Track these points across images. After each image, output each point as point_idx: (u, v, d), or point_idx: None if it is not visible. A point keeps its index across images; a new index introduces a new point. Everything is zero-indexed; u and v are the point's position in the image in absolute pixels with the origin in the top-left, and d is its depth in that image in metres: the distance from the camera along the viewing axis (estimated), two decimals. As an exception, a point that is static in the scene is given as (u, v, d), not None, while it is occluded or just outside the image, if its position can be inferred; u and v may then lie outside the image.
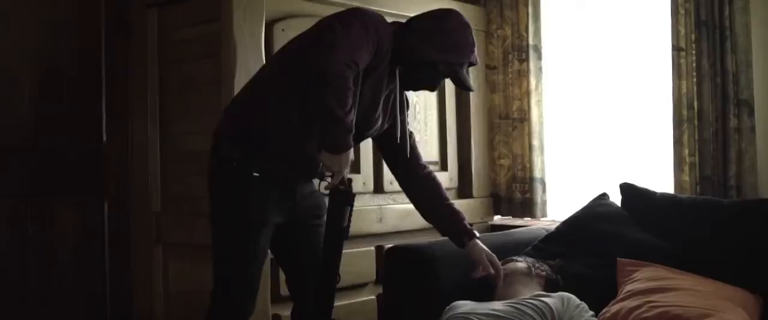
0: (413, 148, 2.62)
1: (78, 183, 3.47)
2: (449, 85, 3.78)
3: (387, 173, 3.43)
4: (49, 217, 3.38)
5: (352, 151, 2.20)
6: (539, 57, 3.82)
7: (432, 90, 2.57)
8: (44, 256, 3.35)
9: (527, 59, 3.81)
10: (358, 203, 3.26)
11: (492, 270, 2.58)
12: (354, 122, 2.17)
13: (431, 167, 3.64)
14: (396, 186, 3.44)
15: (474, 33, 2.46)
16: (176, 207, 3.20)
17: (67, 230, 3.42)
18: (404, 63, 2.39)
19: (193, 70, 3.11)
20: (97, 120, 3.52)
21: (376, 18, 2.31)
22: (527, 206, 3.83)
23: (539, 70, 3.81)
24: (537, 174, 3.80)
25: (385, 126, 2.50)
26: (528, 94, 3.81)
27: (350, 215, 2.29)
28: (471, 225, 2.65)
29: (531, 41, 3.80)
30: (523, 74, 3.84)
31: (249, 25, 2.90)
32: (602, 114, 3.70)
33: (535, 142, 3.80)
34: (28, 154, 3.34)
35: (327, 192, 2.28)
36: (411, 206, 3.46)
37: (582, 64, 3.78)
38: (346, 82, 2.10)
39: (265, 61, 2.56)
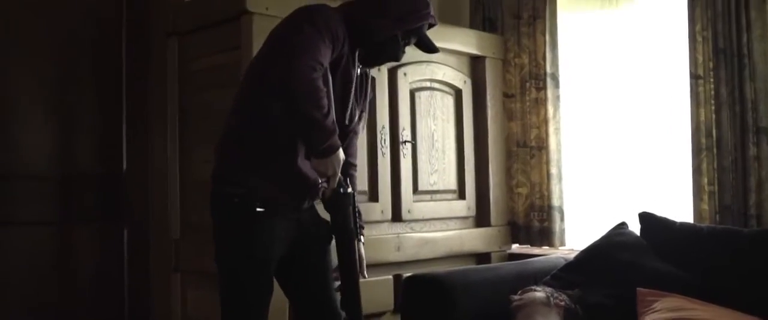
0: (352, 142, 2.51)
1: (98, 210, 3.49)
2: (468, 118, 3.80)
3: (405, 201, 3.44)
4: (69, 243, 3.40)
5: (341, 150, 2.17)
6: (557, 85, 3.82)
7: (396, 61, 2.50)
8: (65, 282, 3.37)
9: (545, 87, 3.81)
10: (376, 231, 3.27)
11: (364, 275, 2.44)
12: (335, 121, 2.15)
13: (449, 196, 3.69)
14: (414, 214, 3.48)
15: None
16: (195, 235, 3.21)
17: (87, 256, 3.44)
18: (365, 45, 2.33)
19: (213, 98, 3.13)
20: (117, 146, 3.56)
21: (322, 11, 2.24)
22: (545, 235, 3.82)
23: (557, 98, 3.81)
24: (555, 202, 3.79)
25: (362, 111, 2.45)
26: (546, 122, 3.81)
27: (356, 214, 2.28)
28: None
29: (548, 69, 3.81)
30: (540, 102, 3.84)
31: (269, 54, 2.92)
32: (620, 142, 3.69)
33: (554, 170, 3.79)
34: (49, 181, 3.37)
35: (328, 201, 2.25)
36: (429, 234, 3.52)
37: (600, 92, 3.77)
38: (315, 84, 2.07)
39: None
